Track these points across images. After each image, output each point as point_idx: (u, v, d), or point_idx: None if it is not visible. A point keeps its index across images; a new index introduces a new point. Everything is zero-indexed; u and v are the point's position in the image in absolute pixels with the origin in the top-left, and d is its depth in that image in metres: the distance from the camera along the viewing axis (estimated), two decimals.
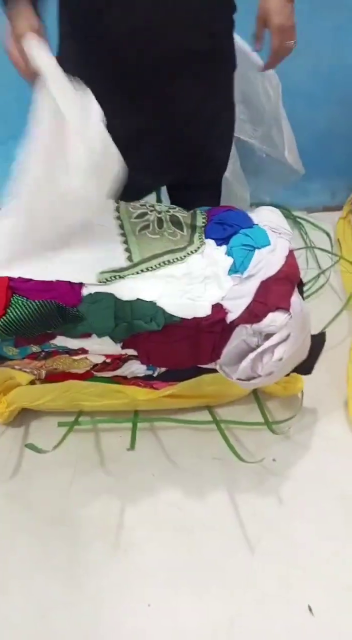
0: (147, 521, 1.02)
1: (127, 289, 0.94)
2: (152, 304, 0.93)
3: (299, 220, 1.74)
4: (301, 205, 1.82)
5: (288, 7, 0.93)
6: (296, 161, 1.57)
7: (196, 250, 0.99)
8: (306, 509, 1.03)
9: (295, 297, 0.97)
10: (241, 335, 0.96)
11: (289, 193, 1.76)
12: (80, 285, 0.94)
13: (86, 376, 1.09)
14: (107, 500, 1.05)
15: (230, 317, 0.95)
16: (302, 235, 1.69)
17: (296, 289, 1.01)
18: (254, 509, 1.03)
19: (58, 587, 0.94)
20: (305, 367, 1.07)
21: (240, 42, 1.42)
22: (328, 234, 1.71)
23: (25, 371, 1.08)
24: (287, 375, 1.08)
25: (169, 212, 1.06)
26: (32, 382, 1.10)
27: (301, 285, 1.06)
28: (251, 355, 0.95)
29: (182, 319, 0.94)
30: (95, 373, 1.08)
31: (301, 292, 1.06)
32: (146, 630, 0.88)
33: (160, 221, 1.04)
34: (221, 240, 1.00)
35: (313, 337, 1.08)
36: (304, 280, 1.53)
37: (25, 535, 1.00)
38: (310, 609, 0.90)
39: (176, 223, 1.04)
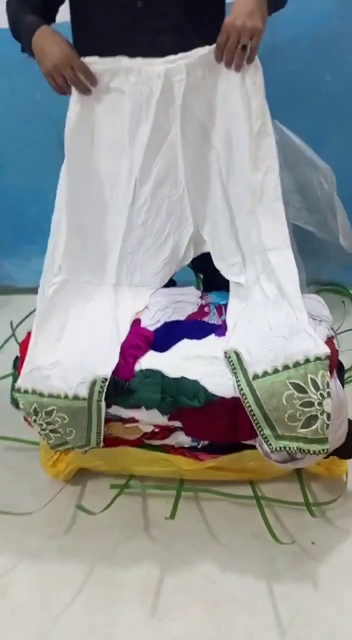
0: (183, 591, 1.06)
1: (174, 367, 1.05)
2: (195, 382, 1.03)
3: None
4: None
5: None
6: (351, 246, 1.65)
7: None
8: (342, 598, 1.02)
9: (332, 383, 1.02)
10: None
11: (348, 272, 1.82)
12: (134, 360, 1.06)
13: (137, 442, 1.19)
14: (148, 566, 1.11)
15: None
16: None
17: (334, 374, 1.06)
18: (288, 591, 1.04)
19: None
20: (344, 451, 1.09)
21: (294, 138, 1.56)
22: None
23: None
24: (327, 457, 1.10)
25: None
26: None
27: (340, 370, 1.11)
28: None
29: (222, 398, 1.02)
30: (145, 440, 1.18)
31: (341, 377, 1.10)
32: None
33: None
34: None
35: None
36: None
37: (71, 589, 1.08)
38: None
39: None
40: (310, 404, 0.95)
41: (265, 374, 0.98)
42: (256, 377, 0.99)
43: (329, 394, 0.95)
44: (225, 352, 1.03)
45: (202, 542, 1.14)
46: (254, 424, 0.99)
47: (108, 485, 1.25)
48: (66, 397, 1.04)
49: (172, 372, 1.04)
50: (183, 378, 1.03)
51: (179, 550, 1.13)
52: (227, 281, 1.21)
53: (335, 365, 1.08)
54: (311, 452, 0.96)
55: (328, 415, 0.95)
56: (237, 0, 0.99)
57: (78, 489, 1.28)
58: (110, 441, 1.19)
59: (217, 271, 1.23)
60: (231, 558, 1.11)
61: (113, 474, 1.27)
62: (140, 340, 1.09)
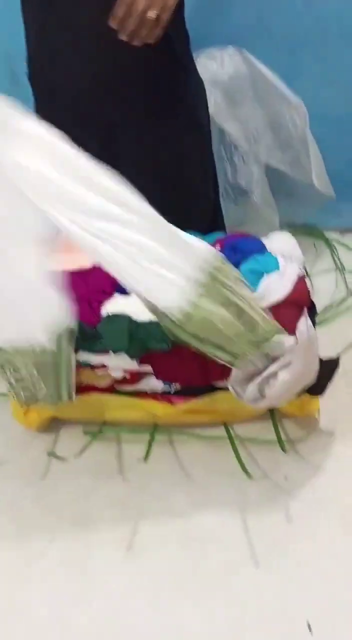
0: (158, 529, 1.08)
1: (142, 310, 1.02)
2: None
3: (330, 241, 1.76)
4: (335, 226, 1.84)
5: None
6: (324, 185, 1.61)
7: None
8: (313, 529, 1.05)
9: (302, 322, 1.01)
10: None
11: (323, 214, 1.79)
12: (99, 305, 1.03)
13: (109, 389, 1.18)
14: (123, 507, 1.12)
15: None
16: (333, 257, 1.71)
17: (305, 314, 1.05)
18: (261, 525, 1.06)
19: (75, 583, 1.01)
20: (315, 389, 1.10)
21: (264, 71, 1.49)
22: None
23: None
24: (299, 396, 1.11)
25: None
26: None
27: (312, 309, 1.10)
28: (257, 379, 0.99)
29: None
30: (117, 387, 1.17)
31: (313, 317, 1.09)
32: (151, 632, 0.94)
33: None
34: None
35: (325, 361, 1.10)
36: (332, 302, 1.55)
37: (48, 534, 1.09)
38: (309, 627, 0.92)
39: None
40: (241, 312, 0.92)
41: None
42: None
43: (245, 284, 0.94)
44: None
45: (176, 482, 1.15)
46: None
47: (82, 432, 1.24)
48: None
49: (139, 315, 1.02)
50: (151, 322, 1.01)
51: (154, 491, 1.14)
52: None
53: (307, 304, 1.07)
54: (270, 340, 0.94)
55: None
56: None
57: (52, 437, 1.27)
58: (82, 389, 1.17)
59: None
60: (205, 496, 1.12)
61: (87, 422, 1.27)
62: (106, 283, 1.05)
